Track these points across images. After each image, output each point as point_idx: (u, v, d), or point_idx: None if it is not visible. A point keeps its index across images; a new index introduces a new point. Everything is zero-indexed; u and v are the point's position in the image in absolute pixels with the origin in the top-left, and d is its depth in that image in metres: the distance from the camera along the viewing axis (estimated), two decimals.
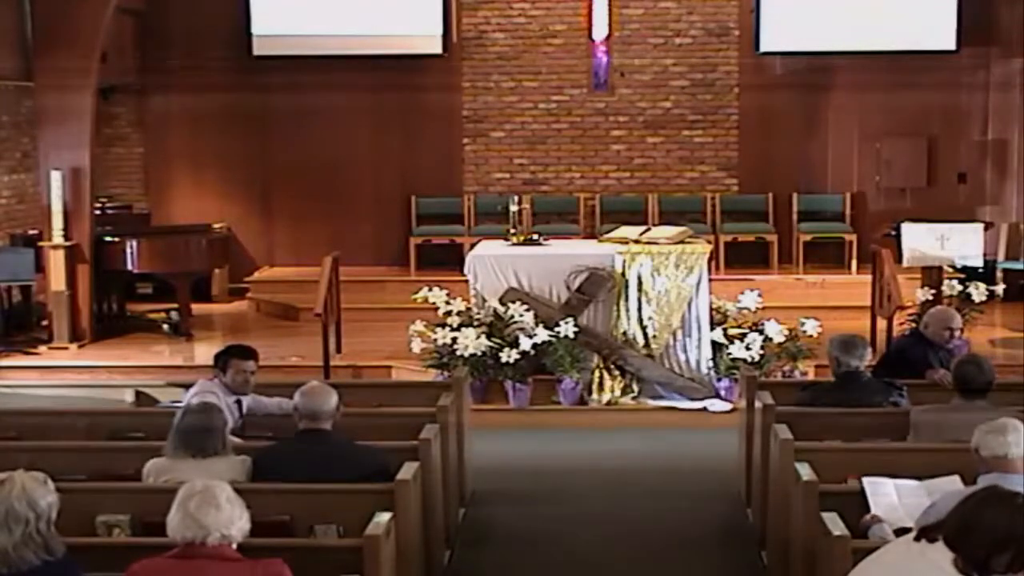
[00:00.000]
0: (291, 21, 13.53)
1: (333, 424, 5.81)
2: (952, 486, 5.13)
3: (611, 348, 9.72)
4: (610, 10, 13.55)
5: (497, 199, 13.21)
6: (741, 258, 13.24)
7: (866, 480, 5.37)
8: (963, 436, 5.13)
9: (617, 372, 9.70)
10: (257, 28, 13.57)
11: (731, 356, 9.56)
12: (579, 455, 8.69)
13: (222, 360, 6.76)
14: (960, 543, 3.58)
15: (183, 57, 13.84)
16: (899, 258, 10.92)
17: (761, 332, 9.64)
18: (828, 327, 9.55)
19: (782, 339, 9.63)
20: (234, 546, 4.14)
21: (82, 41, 11.21)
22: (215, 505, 4.09)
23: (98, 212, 12.33)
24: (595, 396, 9.63)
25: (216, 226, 13.25)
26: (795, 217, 13.57)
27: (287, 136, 13.94)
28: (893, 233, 11.56)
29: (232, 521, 4.11)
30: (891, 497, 5.24)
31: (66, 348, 11.25)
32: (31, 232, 12.29)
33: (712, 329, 9.76)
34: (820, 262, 13.29)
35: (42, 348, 11.30)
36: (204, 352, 10.66)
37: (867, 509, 5.23)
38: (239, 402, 6.63)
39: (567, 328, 9.44)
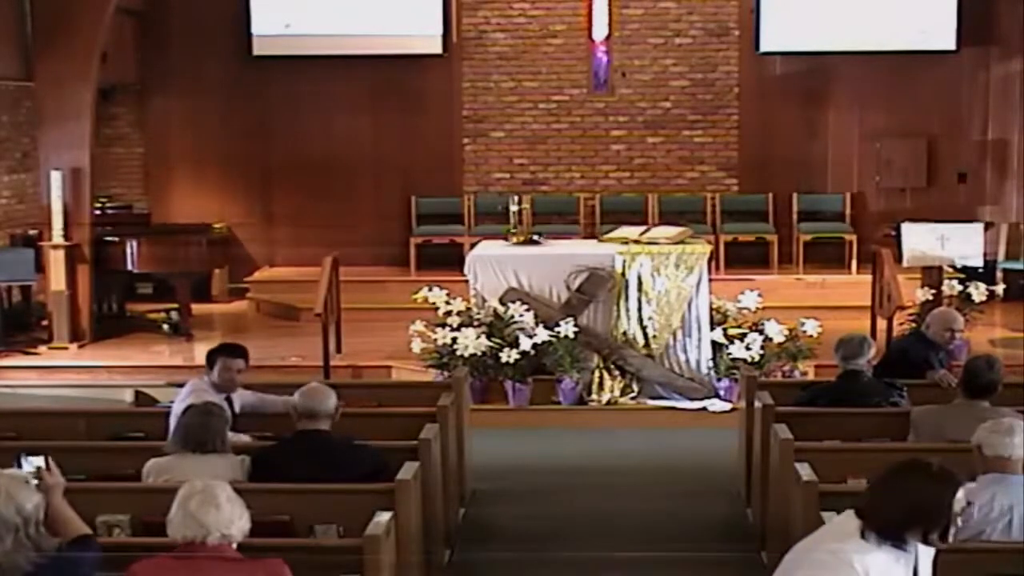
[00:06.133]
0: (291, 21, 13.52)
1: (332, 424, 5.82)
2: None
3: (611, 348, 9.72)
4: (610, 10, 13.54)
5: (497, 199, 13.21)
6: (741, 258, 13.24)
7: None
8: (963, 436, 5.13)
9: (617, 372, 9.70)
10: (257, 28, 13.58)
11: (731, 356, 9.56)
12: (579, 455, 8.69)
13: (210, 358, 6.77)
14: (874, 511, 3.71)
15: (183, 57, 13.84)
16: (899, 258, 10.91)
17: (761, 332, 9.63)
18: (828, 327, 9.56)
19: (782, 339, 9.63)
20: (234, 546, 4.14)
21: (82, 41, 11.21)
22: (215, 504, 4.09)
23: (98, 212, 12.33)
24: (595, 396, 9.63)
25: (216, 226, 13.25)
26: (795, 217, 13.57)
27: (287, 136, 13.94)
28: (893, 233, 11.56)
29: (232, 521, 4.11)
30: None
31: (66, 348, 11.25)
32: (31, 232, 12.29)
33: (712, 329, 9.75)
34: (820, 262, 13.28)
35: (42, 348, 11.30)
36: (204, 352, 10.61)
37: None
38: (229, 399, 6.61)
39: (567, 328, 9.44)
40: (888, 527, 3.69)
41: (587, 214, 13.82)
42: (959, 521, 3.79)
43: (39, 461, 4.21)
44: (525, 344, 9.39)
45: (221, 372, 6.68)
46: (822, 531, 3.86)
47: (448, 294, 9.95)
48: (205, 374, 6.78)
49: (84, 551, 4.10)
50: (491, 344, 9.46)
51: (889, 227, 12.23)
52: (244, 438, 6.24)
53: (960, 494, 3.78)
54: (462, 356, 9.38)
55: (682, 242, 9.99)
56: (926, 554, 3.83)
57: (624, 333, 9.76)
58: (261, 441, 6.32)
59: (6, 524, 3.88)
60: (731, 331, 9.76)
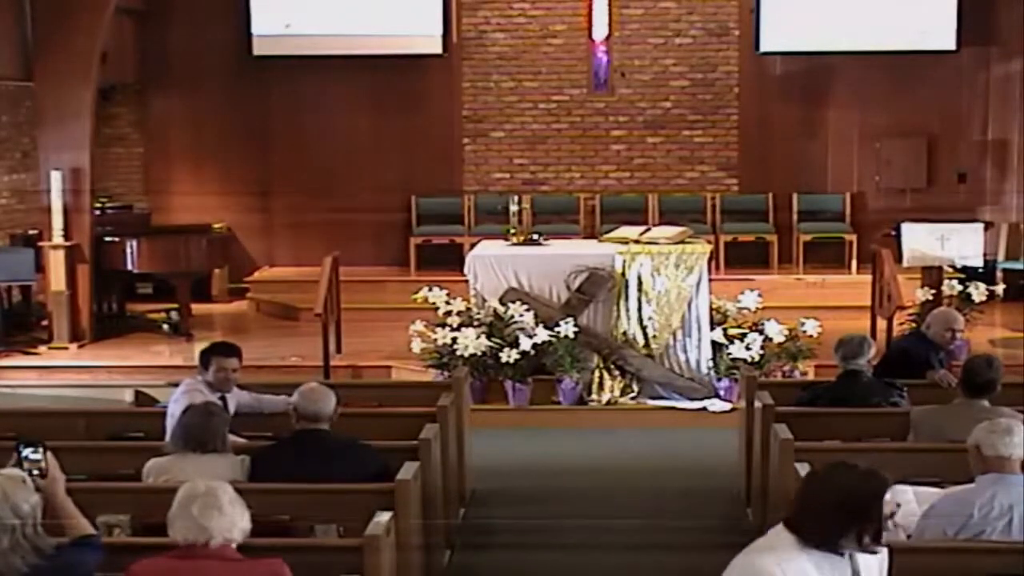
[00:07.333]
0: (291, 21, 13.52)
1: (331, 425, 5.81)
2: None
3: (611, 348, 9.72)
4: (610, 10, 13.54)
5: (497, 199, 13.23)
6: (741, 258, 13.24)
7: None
8: (964, 436, 5.12)
9: (617, 372, 9.70)
10: (257, 28, 13.58)
11: (731, 356, 9.56)
12: (579, 455, 8.69)
13: (204, 357, 6.76)
14: (804, 518, 3.57)
15: (183, 57, 13.84)
16: (899, 258, 10.92)
17: (761, 332, 9.64)
18: (828, 327, 9.56)
19: (782, 339, 9.63)
20: (234, 546, 4.14)
21: (82, 41, 11.22)
22: (217, 508, 4.07)
23: (98, 212, 12.33)
24: (595, 396, 9.62)
25: (216, 226, 13.25)
26: (795, 217, 13.57)
27: (287, 136, 13.94)
28: (893, 233, 11.56)
29: (234, 523, 4.10)
30: (910, 504, 5.23)
31: (66, 348, 11.25)
32: (31, 232, 12.29)
33: (712, 329, 9.75)
34: (820, 262, 13.29)
35: (42, 348, 11.30)
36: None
37: None
38: (223, 399, 6.61)
39: (567, 328, 9.44)
40: (820, 533, 3.53)
41: (587, 214, 13.82)
42: (890, 524, 3.63)
43: (38, 455, 4.19)
44: (525, 344, 9.39)
45: (216, 372, 6.67)
46: (756, 543, 3.69)
47: (448, 294, 9.95)
48: (199, 373, 6.78)
49: (84, 551, 4.09)
50: (491, 344, 9.46)
51: (889, 227, 12.22)
52: (239, 440, 6.22)
53: (888, 495, 3.62)
54: (462, 356, 9.38)
55: (682, 242, 9.99)
56: (872, 561, 3.66)
57: (624, 333, 9.76)
58: (255, 441, 6.31)
59: (2, 525, 3.85)
60: (731, 331, 9.76)
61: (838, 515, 3.53)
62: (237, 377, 6.77)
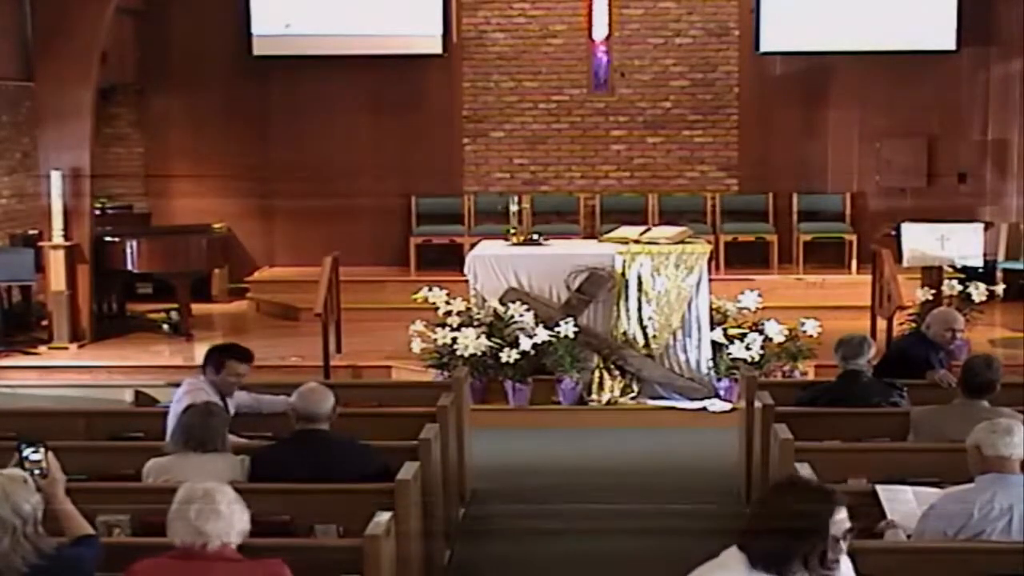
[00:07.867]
0: (291, 21, 13.52)
1: (330, 424, 5.82)
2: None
3: (611, 348, 9.72)
4: (610, 10, 13.53)
5: (497, 199, 13.23)
6: (741, 258, 13.24)
7: (881, 488, 5.35)
8: (963, 436, 5.12)
9: (617, 372, 9.70)
10: (257, 28, 13.58)
11: (731, 356, 9.56)
12: (579, 455, 8.69)
13: (216, 358, 6.73)
14: (753, 539, 3.41)
15: (183, 57, 13.84)
16: (899, 258, 10.92)
17: (761, 332, 9.64)
18: (828, 327, 9.57)
19: (782, 339, 9.63)
20: (234, 547, 4.14)
21: (82, 41, 11.21)
22: (215, 512, 4.06)
23: (98, 212, 12.33)
24: (595, 396, 9.63)
25: (216, 226, 13.25)
26: (795, 217, 13.57)
27: (287, 136, 13.93)
28: (893, 233, 11.56)
29: (232, 526, 4.09)
30: (910, 504, 5.23)
31: (66, 348, 11.24)
32: (31, 232, 12.29)
33: (712, 329, 9.75)
34: (820, 262, 13.29)
35: (42, 348, 11.29)
36: (203, 352, 10.59)
37: (881, 515, 5.21)
38: (224, 399, 6.60)
39: (567, 328, 9.44)
40: (768, 554, 3.37)
41: (587, 214, 13.82)
42: (843, 545, 3.44)
43: (39, 455, 4.19)
44: (525, 344, 9.39)
45: (226, 375, 6.65)
46: (708, 563, 3.55)
47: (448, 294, 9.95)
48: (201, 373, 6.76)
49: (84, 551, 4.10)
50: (491, 344, 9.46)
51: (889, 227, 12.22)
52: (239, 440, 6.22)
53: (842, 515, 3.46)
54: (462, 356, 9.38)
55: (682, 242, 9.99)
56: None
57: (624, 333, 9.76)
58: (255, 441, 6.31)
59: (3, 524, 3.86)
60: (731, 331, 9.76)
61: (785, 536, 3.37)
62: (242, 382, 6.77)
